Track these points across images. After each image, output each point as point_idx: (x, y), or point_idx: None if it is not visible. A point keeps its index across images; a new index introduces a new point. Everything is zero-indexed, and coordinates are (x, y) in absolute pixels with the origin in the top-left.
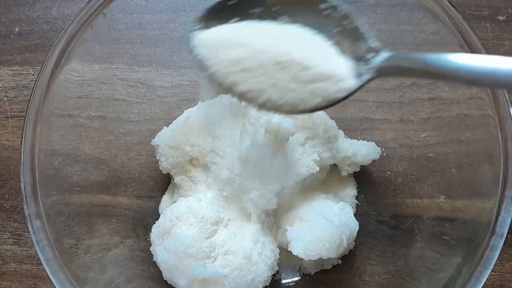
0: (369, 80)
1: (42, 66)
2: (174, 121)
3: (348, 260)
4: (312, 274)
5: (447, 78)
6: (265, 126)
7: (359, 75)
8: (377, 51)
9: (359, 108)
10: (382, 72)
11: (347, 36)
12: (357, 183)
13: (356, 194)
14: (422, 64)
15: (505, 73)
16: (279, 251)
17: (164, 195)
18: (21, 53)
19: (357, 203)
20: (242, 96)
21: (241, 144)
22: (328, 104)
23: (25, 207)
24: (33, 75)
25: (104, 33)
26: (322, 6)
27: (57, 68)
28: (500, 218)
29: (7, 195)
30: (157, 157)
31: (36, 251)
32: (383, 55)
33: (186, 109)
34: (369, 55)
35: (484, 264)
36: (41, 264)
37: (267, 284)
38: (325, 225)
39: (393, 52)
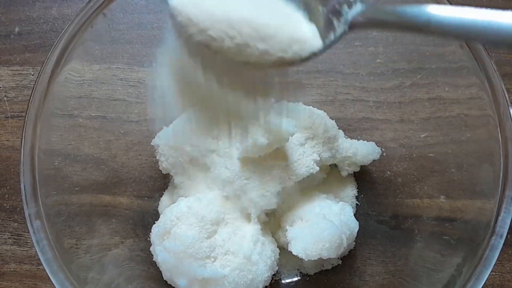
0: (341, 35)
1: (42, 66)
2: (174, 121)
3: (348, 260)
4: (312, 274)
5: (423, 31)
6: (265, 126)
7: (330, 31)
8: (351, 3)
9: (359, 108)
10: (357, 25)
11: None
12: (357, 183)
13: (356, 194)
14: (397, 16)
15: (484, 26)
16: (279, 251)
17: (163, 195)
18: (21, 53)
19: (357, 203)
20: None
21: (241, 144)
22: (297, 61)
23: (25, 207)
24: (33, 75)
25: (104, 33)
26: None
27: (57, 68)
28: (500, 218)
29: (7, 195)
30: (157, 157)
31: (36, 251)
32: (358, 8)
33: None
34: (343, 8)
35: (484, 264)
36: (41, 264)
37: (267, 284)
38: (325, 225)
39: (367, 4)
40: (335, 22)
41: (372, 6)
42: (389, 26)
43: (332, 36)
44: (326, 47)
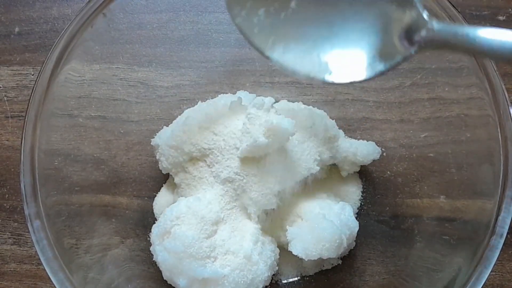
0: (410, 56)
1: (42, 66)
2: (174, 121)
3: (348, 260)
4: (312, 274)
5: (505, 59)
6: (265, 125)
7: (400, 49)
8: (426, 22)
9: (359, 108)
10: (429, 46)
11: (393, 2)
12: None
13: (361, 194)
14: (475, 42)
15: None
16: (279, 251)
17: (158, 195)
18: (21, 53)
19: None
20: None
21: (241, 144)
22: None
23: (25, 207)
24: (33, 75)
25: (104, 33)
26: None
27: (57, 68)
28: (500, 218)
29: (7, 195)
30: (157, 157)
31: (36, 251)
32: (432, 27)
33: (186, 108)
34: (416, 26)
35: (484, 264)
36: (41, 264)
37: (267, 284)
38: (325, 225)
39: (441, 23)
40: (407, 41)
41: (446, 26)
42: (463, 50)
43: (399, 58)
44: (392, 67)
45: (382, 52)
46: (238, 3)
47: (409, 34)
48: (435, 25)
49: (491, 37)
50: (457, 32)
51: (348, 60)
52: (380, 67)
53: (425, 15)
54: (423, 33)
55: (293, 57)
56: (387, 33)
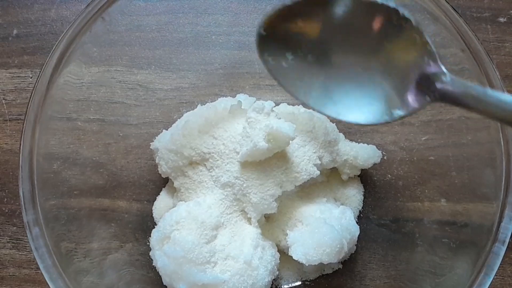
0: (425, 105)
1: (41, 69)
2: (174, 124)
3: (349, 264)
4: (312, 278)
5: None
6: (266, 130)
7: (416, 99)
8: (441, 74)
9: None
10: (443, 98)
11: (413, 51)
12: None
13: (362, 197)
14: (481, 101)
15: None
16: (279, 255)
17: (157, 199)
18: (20, 55)
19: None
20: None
21: (241, 148)
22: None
23: (23, 213)
24: (31, 77)
25: (103, 36)
26: (395, 17)
27: (56, 71)
28: (502, 224)
29: (5, 199)
30: (156, 161)
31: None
32: (446, 80)
33: (186, 112)
34: (434, 77)
35: (486, 271)
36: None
37: None
38: (325, 230)
39: (455, 78)
40: (424, 90)
41: (458, 82)
42: (470, 108)
43: (416, 106)
44: (406, 115)
45: (402, 99)
46: (268, 49)
47: (426, 84)
48: (449, 79)
49: (497, 99)
50: (467, 89)
51: (369, 104)
52: (399, 113)
53: (442, 68)
54: (438, 85)
55: (321, 99)
56: (408, 81)
